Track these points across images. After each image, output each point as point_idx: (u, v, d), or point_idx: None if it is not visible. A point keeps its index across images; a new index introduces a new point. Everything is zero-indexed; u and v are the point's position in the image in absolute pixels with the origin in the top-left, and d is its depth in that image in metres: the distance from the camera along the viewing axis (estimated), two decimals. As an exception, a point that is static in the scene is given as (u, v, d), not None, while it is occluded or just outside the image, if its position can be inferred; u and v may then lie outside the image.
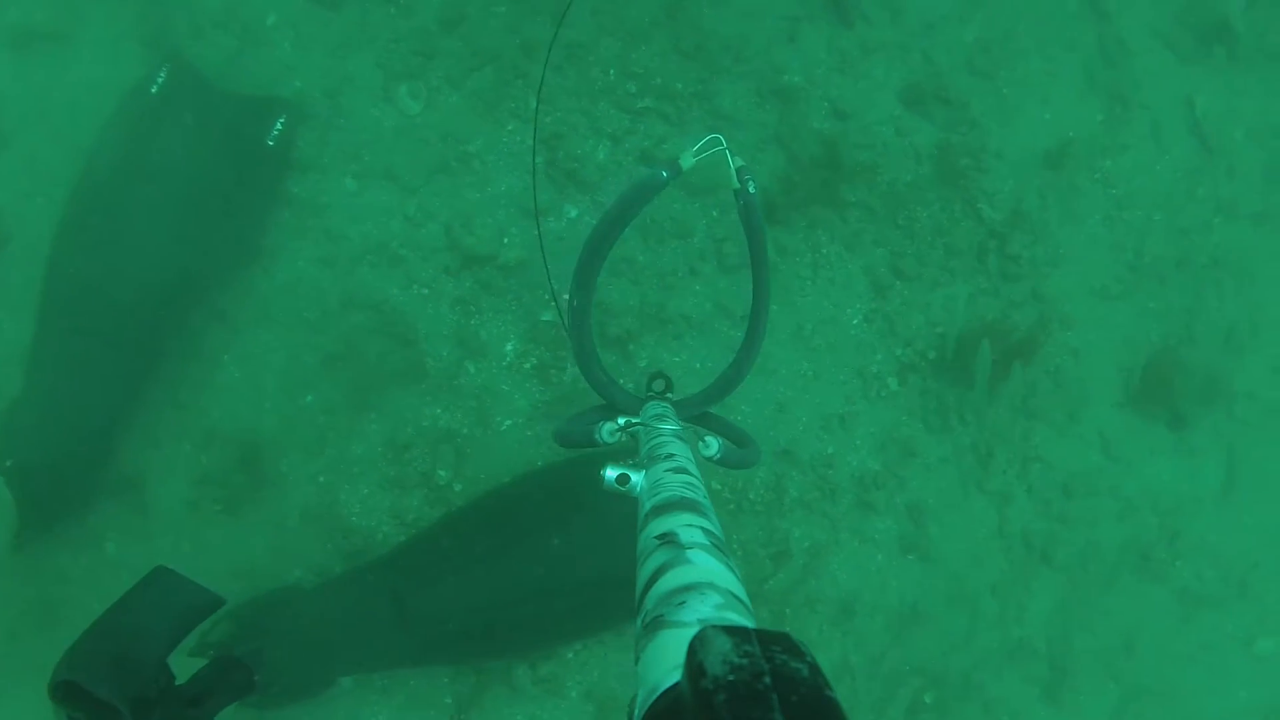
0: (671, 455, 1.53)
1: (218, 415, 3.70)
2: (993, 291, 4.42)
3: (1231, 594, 4.52)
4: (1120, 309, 4.62)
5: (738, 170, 2.14)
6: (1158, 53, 4.88)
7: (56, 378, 3.46)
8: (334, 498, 3.65)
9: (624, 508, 1.44)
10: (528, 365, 3.88)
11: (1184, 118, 4.79)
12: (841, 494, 4.08)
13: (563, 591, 3.34)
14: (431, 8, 4.11)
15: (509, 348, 3.89)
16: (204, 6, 4.01)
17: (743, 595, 0.95)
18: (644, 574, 1.03)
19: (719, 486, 3.94)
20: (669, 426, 1.79)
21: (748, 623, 0.87)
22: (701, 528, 1.13)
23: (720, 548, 1.09)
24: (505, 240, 3.95)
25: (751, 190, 2.14)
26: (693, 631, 0.63)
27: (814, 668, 0.55)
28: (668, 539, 1.09)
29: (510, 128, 4.07)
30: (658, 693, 0.76)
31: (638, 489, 1.44)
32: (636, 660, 0.86)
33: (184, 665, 2.07)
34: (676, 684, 0.73)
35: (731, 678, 0.53)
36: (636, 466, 1.49)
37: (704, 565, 1.00)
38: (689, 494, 1.28)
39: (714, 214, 4.15)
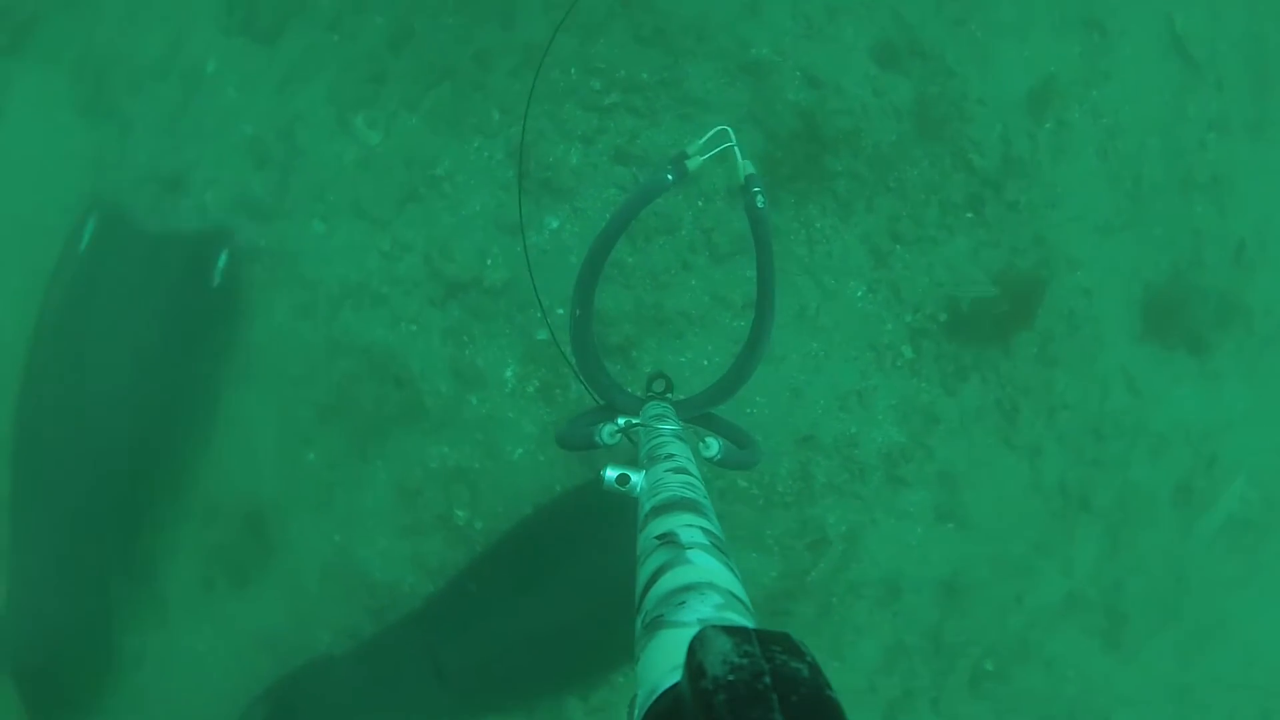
0: (671, 455, 1.53)
1: (216, 487, 3.55)
2: (994, 243, 4.28)
3: (1276, 515, 4.43)
4: (1125, 241, 4.49)
5: (747, 178, 2.06)
6: (1129, -27, 4.73)
7: (42, 563, 3.41)
8: (351, 554, 3.51)
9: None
10: (530, 389, 3.73)
11: (1165, 37, 4.63)
12: (870, 472, 3.95)
13: (599, 617, 3.21)
14: (376, 29, 3.92)
15: (509, 373, 3.74)
16: (141, 61, 3.82)
17: (743, 595, 0.96)
18: (644, 574, 1.03)
19: (746, 484, 3.81)
20: (669, 427, 1.78)
21: (748, 623, 0.87)
22: (701, 528, 1.13)
23: (720, 547, 1.09)
24: (488, 262, 3.78)
25: (760, 205, 2.04)
26: (693, 632, 0.63)
27: (814, 667, 0.55)
28: (667, 539, 1.09)
29: (476, 144, 3.90)
30: (658, 693, 0.75)
31: (638, 489, 1.44)
32: (636, 660, 0.86)
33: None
34: (676, 684, 0.72)
35: (731, 678, 0.53)
36: (636, 467, 1.49)
37: (704, 565, 1.00)
38: (689, 494, 1.28)
39: (699, 204, 3.99)
